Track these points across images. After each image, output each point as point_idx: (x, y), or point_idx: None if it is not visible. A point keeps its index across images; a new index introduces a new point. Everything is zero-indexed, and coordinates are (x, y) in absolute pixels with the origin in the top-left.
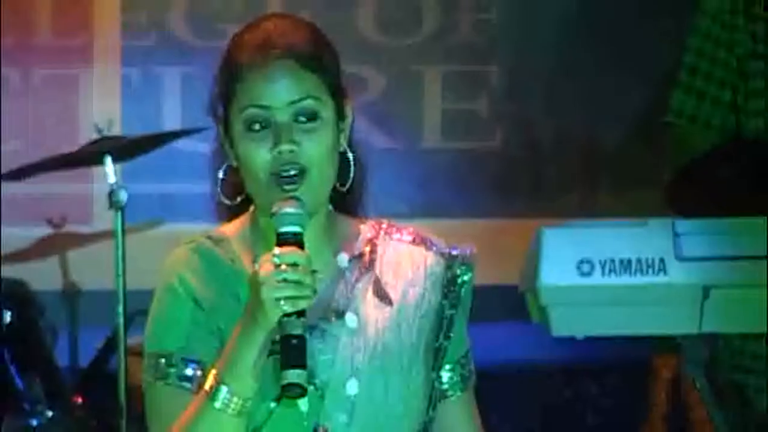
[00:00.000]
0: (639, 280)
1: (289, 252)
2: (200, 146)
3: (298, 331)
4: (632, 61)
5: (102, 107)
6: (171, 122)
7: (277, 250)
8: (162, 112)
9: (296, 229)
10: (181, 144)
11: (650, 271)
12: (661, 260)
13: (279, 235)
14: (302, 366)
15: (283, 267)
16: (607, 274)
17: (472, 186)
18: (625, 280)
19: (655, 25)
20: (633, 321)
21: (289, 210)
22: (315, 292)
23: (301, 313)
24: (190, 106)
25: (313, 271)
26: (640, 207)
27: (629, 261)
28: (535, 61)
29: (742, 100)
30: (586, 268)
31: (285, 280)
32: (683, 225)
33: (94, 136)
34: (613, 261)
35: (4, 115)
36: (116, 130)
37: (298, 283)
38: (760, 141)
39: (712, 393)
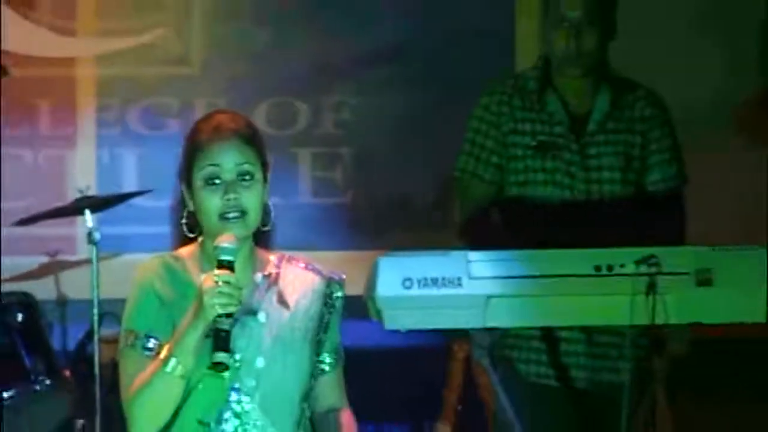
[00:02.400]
0: (444, 291)
1: (224, 273)
2: (150, 202)
3: (226, 327)
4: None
5: (83, 176)
6: (129, 186)
7: (216, 271)
8: (123, 180)
9: (230, 258)
10: (136, 201)
11: (451, 285)
12: (458, 278)
13: (218, 261)
14: (227, 350)
15: (220, 283)
16: (423, 287)
17: (331, 229)
18: (435, 291)
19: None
20: (440, 319)
21: (226, 245)
22: (240, 302)
23: (229, 315)
24: (143, 175)
25: (239, 288)
26: (445, 241)
27: (437, 278)
28: (375, 146)
29: (505, 162)
30: (408, 283)
31: (221, 293)
32: (473, 254)
33: (78, 195)
34: (426, 279)
35: (18, 180)
36: (92, 192)
37: (229, 295)
38: (518, 198)
39: (492, 367)
